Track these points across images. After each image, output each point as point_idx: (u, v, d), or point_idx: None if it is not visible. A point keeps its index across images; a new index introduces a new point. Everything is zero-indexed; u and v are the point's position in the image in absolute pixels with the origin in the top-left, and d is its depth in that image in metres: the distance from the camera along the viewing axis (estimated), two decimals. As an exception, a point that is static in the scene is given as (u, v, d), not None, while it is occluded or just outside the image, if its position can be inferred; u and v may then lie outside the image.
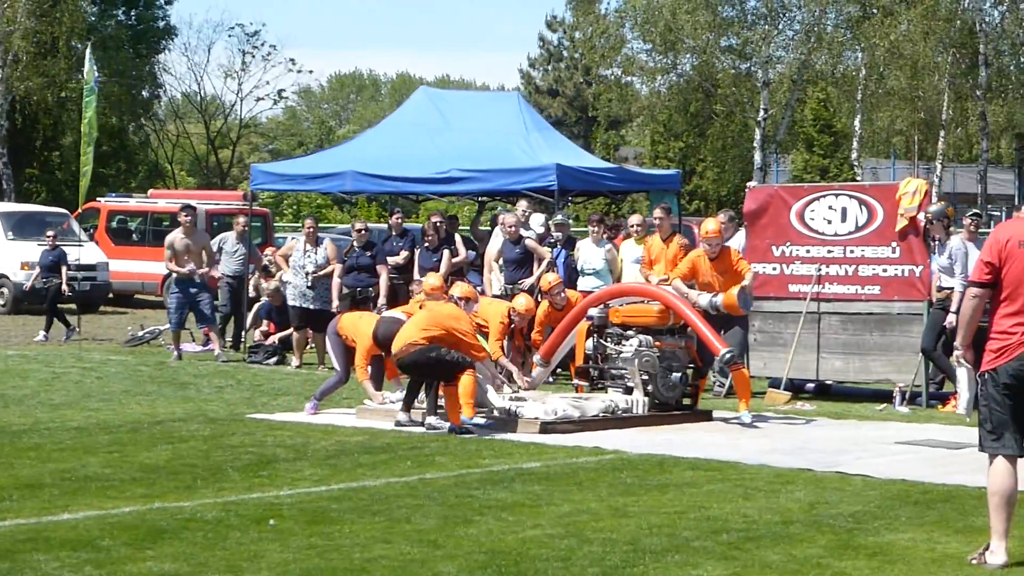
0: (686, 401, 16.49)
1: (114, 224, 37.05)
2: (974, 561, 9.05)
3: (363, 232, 21.40)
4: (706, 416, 16.32)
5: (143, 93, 61.14)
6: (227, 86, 72.07)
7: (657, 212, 18.37)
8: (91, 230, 36.43)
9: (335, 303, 20.83)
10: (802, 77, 50.79)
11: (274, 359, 21.95)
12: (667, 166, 56.98)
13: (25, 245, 32.37)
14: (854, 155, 53.12)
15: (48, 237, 27.51)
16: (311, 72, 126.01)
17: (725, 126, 53.42)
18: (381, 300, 20.81)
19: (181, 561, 8.95)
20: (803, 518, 10.51)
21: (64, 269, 26.86)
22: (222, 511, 10.48)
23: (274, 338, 22.50)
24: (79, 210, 35.68)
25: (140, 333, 25.26)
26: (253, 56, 69.24)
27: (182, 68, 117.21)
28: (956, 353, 9.55)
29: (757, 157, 50.22)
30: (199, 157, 74.18)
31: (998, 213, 53.11)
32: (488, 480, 12.03)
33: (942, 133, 52.68)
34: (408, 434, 14.79)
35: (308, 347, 22.00)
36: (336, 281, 21.04)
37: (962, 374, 9.81)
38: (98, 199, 39.02)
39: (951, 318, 16.92)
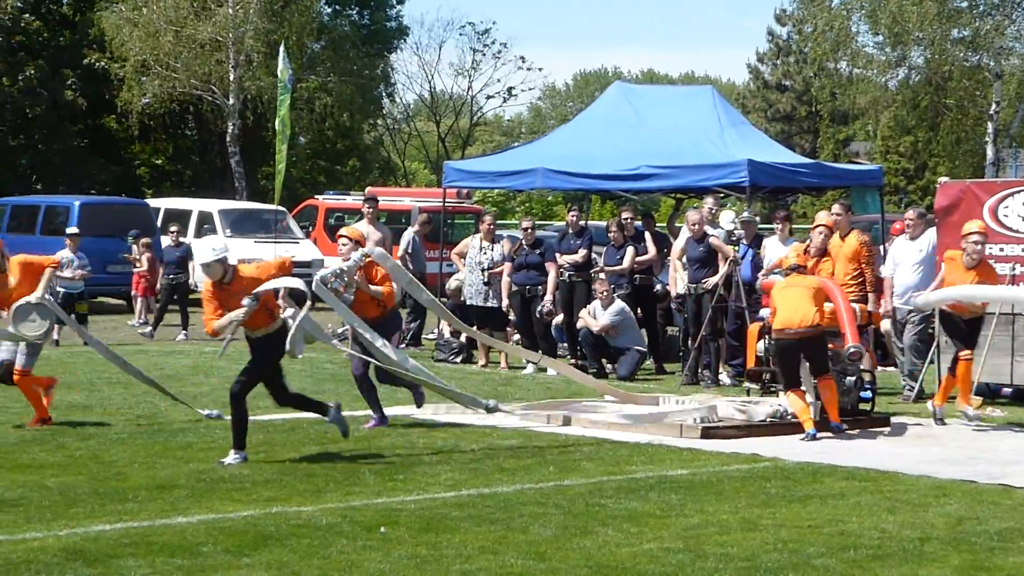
0: (863, 406, 15.74)
1: (331, 221, 37.29)
2: None
3: (530, 231, 21.04)
4: (883, 422, 15.55)
5: (375, 92, 61.60)
6: (457, 84, 72.33)
7: (835, 208, 17.69)
8: (309, 228, 36.79)
9: (504, 301, 20.67)
10: (1036, 69, 48.91)
11: (460, 357, 21.72)
12: (897, 161, 55.60)
13: (242, 242, 32.68)
14: (1099, 150, 50.99)
15: (172, 233, 27.55)
16: (540, 70, 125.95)
17: (957, 120, 51.65)
18: (548, 297, 20.48)
19: (274, 570, 8.71)
20: (944, 535, 9.85)
21: (191, 265, 26.90)
22: (339, 517, 10.22)
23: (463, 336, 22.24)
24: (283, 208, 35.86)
25: (339, 330, 25.22)
26: (484, 54, 69.45)
27: (413, 67, 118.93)
28: None
29: (989, 151, 48.52)
30: (432, 156, 74.76)
31: None
32: (626, 488, 11.57)
33: None
34: (565, 437, 14.37)
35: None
36: (506, 279, 20.79)
37: None
38: (316, 196, 39.31)
39: None
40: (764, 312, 16.01)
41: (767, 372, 15.88)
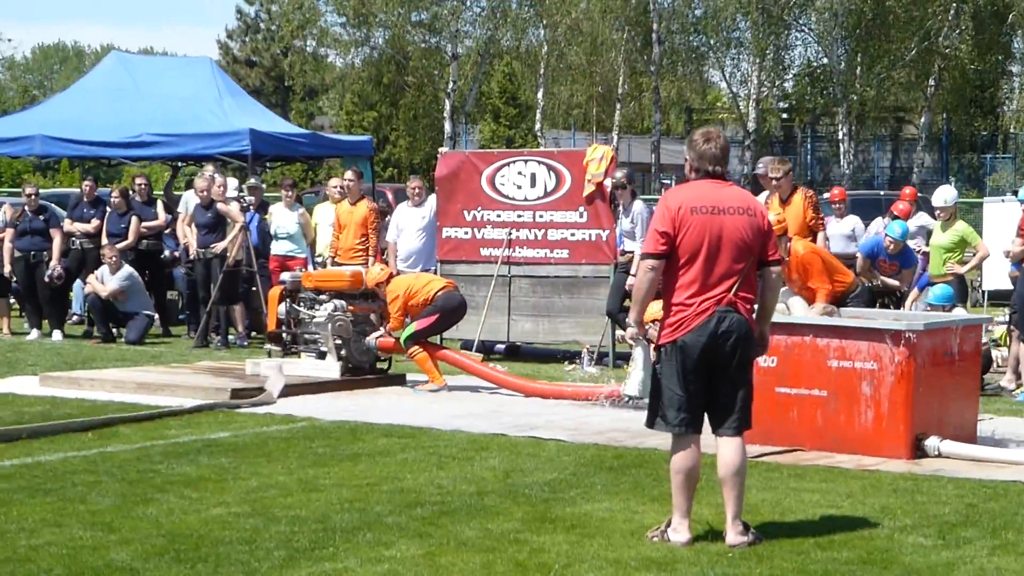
0: (381, 365, 15.45)
1: None
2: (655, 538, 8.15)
3: (33, 197, 19.72)
4: (400, 380, 15.29)
5: None
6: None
7: (348, 175, 17.44)
8: None
9: (7, 267, 19.46)
10: (488, 51, 50.30)
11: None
12: (362, 134, 56.05)
13: None
14: (537, 126, 52.89)
15: None
16: (10, 40, 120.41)
17: (417, 97, 52.56)
18: (53, 263, 19.31)
19: None
20: (498, 488, 9.61)
21: None
22: None
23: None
24: None
25: None
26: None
27: None
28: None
29: (447, 126, 49.57)
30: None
31: (668, 181, 53.38)
32: (173, 453, 10.81)
33: (618, 106, 52.77)
34: (92, 402, 13.42)
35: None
36: (7, 245, 19.54)
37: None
38: None
39: (631, 280, 16.21)
40: (285, 276, 15.48)
41: (288, 333, 15.33)
